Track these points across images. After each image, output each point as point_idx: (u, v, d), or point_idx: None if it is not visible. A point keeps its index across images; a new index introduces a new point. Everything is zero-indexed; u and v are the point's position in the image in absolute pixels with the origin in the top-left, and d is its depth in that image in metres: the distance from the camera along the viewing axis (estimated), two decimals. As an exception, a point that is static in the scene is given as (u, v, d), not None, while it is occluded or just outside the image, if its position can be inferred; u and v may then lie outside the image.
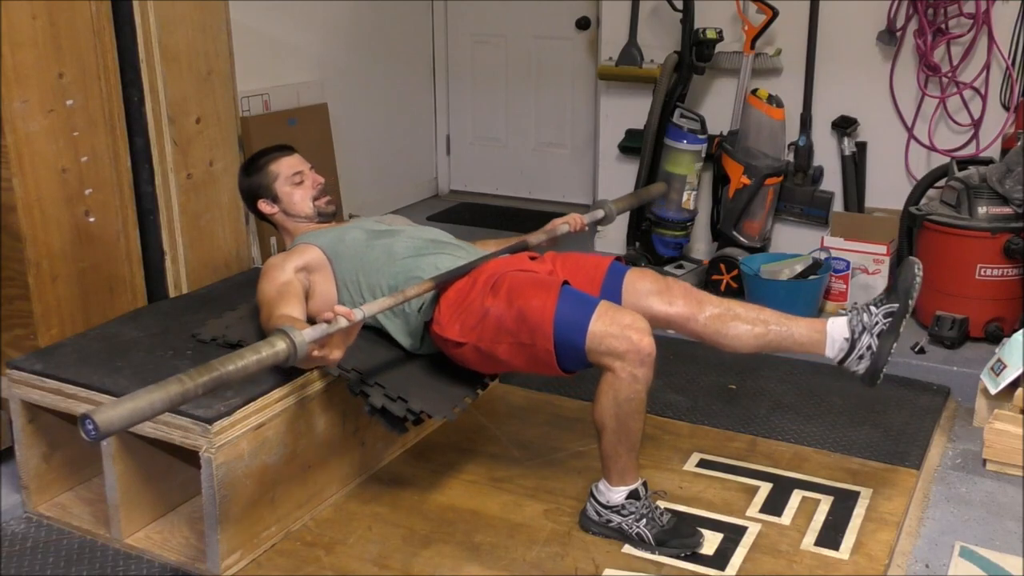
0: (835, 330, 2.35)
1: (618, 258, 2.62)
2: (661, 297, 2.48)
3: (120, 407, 1.78)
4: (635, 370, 2.25)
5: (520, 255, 2.62)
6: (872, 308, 2.32)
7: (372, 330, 2.63)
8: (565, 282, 2.42)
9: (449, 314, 2.45)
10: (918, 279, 2.30)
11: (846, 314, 2.36)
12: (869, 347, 2.30)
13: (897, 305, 2.28)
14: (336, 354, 2.21)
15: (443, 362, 2.58)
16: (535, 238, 2.73)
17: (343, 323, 2.15)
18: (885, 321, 2.29)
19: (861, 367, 2.34)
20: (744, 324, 2.42)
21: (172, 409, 1.93)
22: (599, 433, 2.36)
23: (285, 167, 2.82)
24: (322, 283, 2.63)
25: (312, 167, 2.89)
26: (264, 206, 2.83)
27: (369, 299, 2.55)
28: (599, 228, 4.67)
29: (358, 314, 2.17)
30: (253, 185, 2.84)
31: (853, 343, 2.32)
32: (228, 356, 1.96)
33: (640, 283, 2.51)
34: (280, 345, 2.03)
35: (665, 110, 4.05)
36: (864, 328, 2.31)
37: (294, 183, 2.81)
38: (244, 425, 2.32)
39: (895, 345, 2.29)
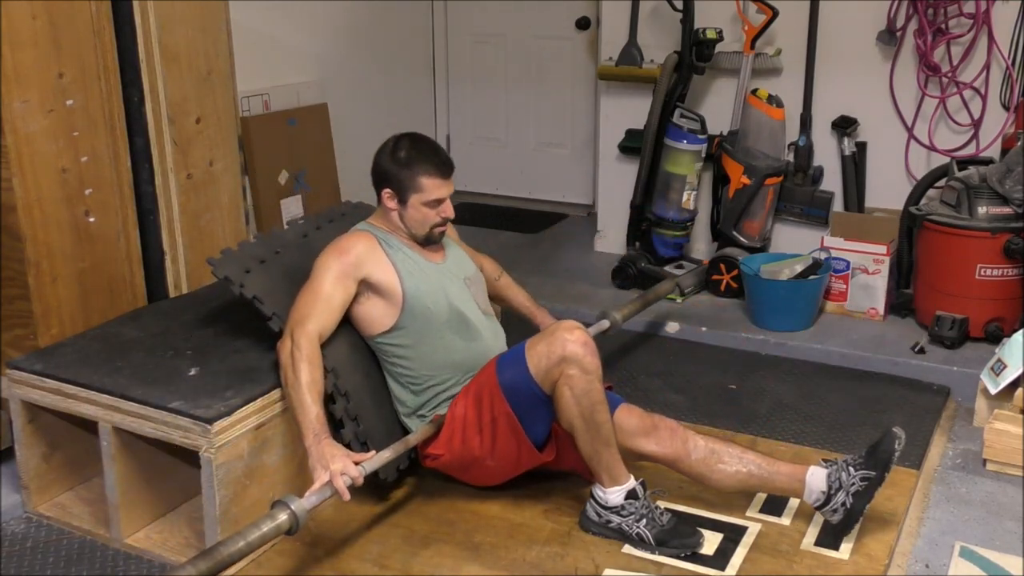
0: (814, 482, 2.41)
1: (609, 387, 2.58)
2: (648, 438, 2.50)
3: None
4: (581, 362, 2.31)
5: None
6: (851, 469, 2.38)
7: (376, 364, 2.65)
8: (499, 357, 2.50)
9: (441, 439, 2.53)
10: (897, 452, 2.38)
11: (826, 466, 2.42)
12: (844, 503, 2.37)
13: (874, 473, 2.36)
14: (344, 496, 2.26)
15: None
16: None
17: (345, 494, 2.22)
18: (861, 484, 2.36)
19: (835, 519, 2.41)
20: (729, 468, 2.47)
21: None
22: (574, 439, 2.39)
23: (434, 191, 2.55)
24: (378, 311, 2.54)
25: (450, 196, 2.63)
26: (388, 199, 2.58)
27: (400, 368, 2.58)
28: (600, 229, 4.68)
29: (362, 477, 2.25)
30: (395, 176, 2.55)
31: (829, 497, 2.38)
32: (232, 538, 2.03)
33: (627, 422, 2.51)
34: (282, 518, 2.11)
35: (665, 110, 4.05)
36: (841, 486, 2.37)
37: (430, 206, 2.57)
38: (244, 425, 2.32)
39: (868, 506, 2.37)
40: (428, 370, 2.56)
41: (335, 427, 2.47)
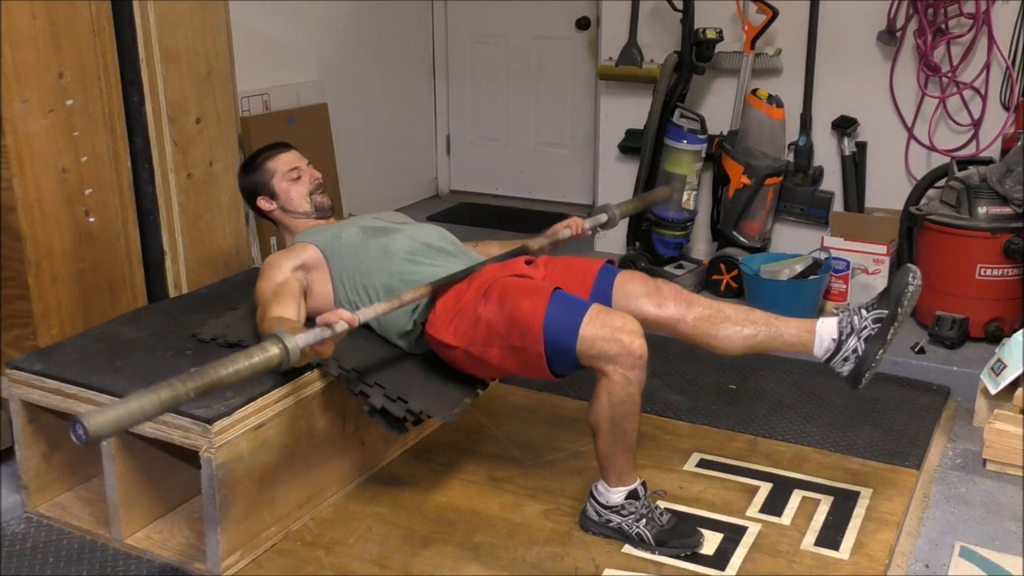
0: (824, 330, 2.35)
1: (609, 261, 2.61)
2: (651, 299, 2.48)
3: (110, 412, 1.78)
4: (627, 372, 2.26)
5: (516, 259, 2.63)
6: (863, 311, 2.32)
7: (372, 329, 2.64)
8: (557, 288, 2.42)
9: (444, 317, 2.46)
10: (911, 287, 2.28)
11: (838, 314, 2.36)
12: (855, 350, 2.29)
13: (887, 311, 2.28)
14: (328, 351, 2.27)
15: (441, 362, 2.59)
16: (536, 243, 2.74)
17: (343, 327, 2.17)
18: (874, 326, 2.29)
19: (845, 369, 2.34)
20: (734, 326, 2.42)
21: (162, 413, 1.93)
22: (595, 435, 2.37)
23: (282, 164, 2.84)
24: (319, 281, 2.64)
25: (310, 163, 2.90)
26: (263, 203, 2.84)
27: (364, 298, 2.58)
28: (600, 230, 4.67)
29: (358, 319, 2.20)
30: (252, 183, 2.86)
31: (840, 344, 2.32)
32: (220, 361, 1.96)
33: (630, 285, 2.51)
34: (273, 350, 2.04)
35: (665, 110, 4.05)
36: (852, 330, 2.31)
37: (291, 179, 2.82)
38: (244, 425, 2.32)
39: (882, 351, 2.28)
40: (383, 281, 2.57)
41: (383, 416, 2.44)
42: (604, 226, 2.99)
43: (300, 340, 2.09)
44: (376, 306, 2.31)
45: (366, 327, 2.56)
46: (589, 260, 2.68)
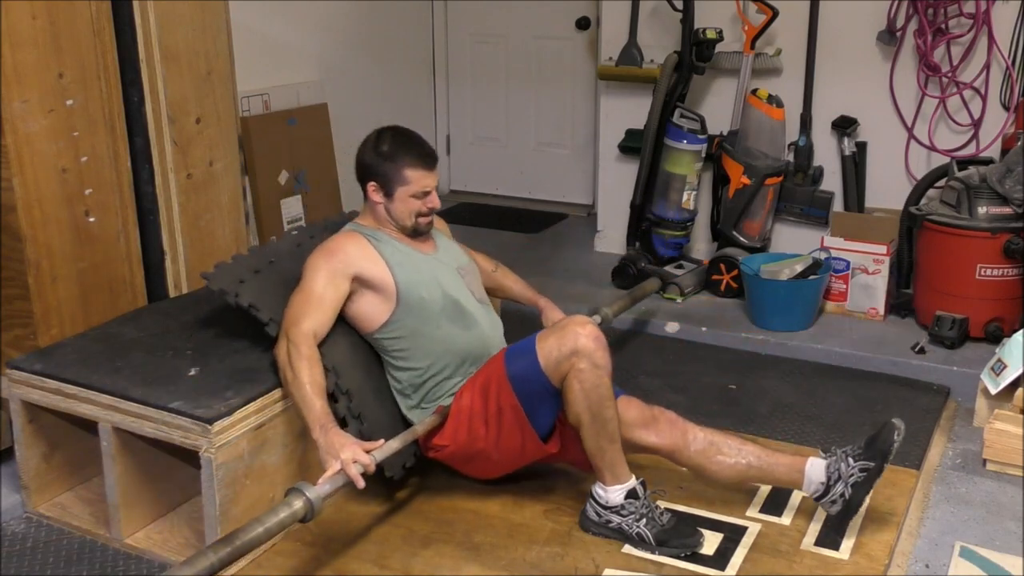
0: (813, 473, 2.42)
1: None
2: (647, 429, 2.51)
3: None
4: (591, 355, 2.32)
5: None
6: (850, 460, 2.39)
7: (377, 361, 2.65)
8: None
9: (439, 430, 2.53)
10: (896, 444, 2.39)
11: (825, 457, 2.43)
12: (842, 495, 2.38)
13: (873, 464, 2.37)
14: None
15: None
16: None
17: (359, 480, 2.22)
18: (860, 474, 2.37)
19: (833, 510, 2.42)
20: (728, 459, 2.48)
21: None
22: (579, 433, 2.39)
23: (419, 182, 2.56)
24: (373, 306, 2.53)
25: (437, 186, 2.65)
26: (373, 192, 2.59)
27: (399, 362, 2.58)
28: (600, 229, 4.68)
29: (374, 464, 2.25)
30: (380, 170, 2.57)
31: (828, 488, 2.39)
32: (250, 525, 2.04)
33: (627, 413, 2.51)
34: (297, 505, 2.12)
35: (665, 110, 4.05)
36: (840, 477, 2.38)
37: (416, 197, 2.58)
38: (244, 425, 2.32)
39: (867, 496, 2.39)
40: (427, 361, 2.55)
41: (339, 425, 2.46)
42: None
43: (322, 492, 2.16)
44: (391, 444, 2.35)
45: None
46: None
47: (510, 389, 2.40)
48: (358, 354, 2.58)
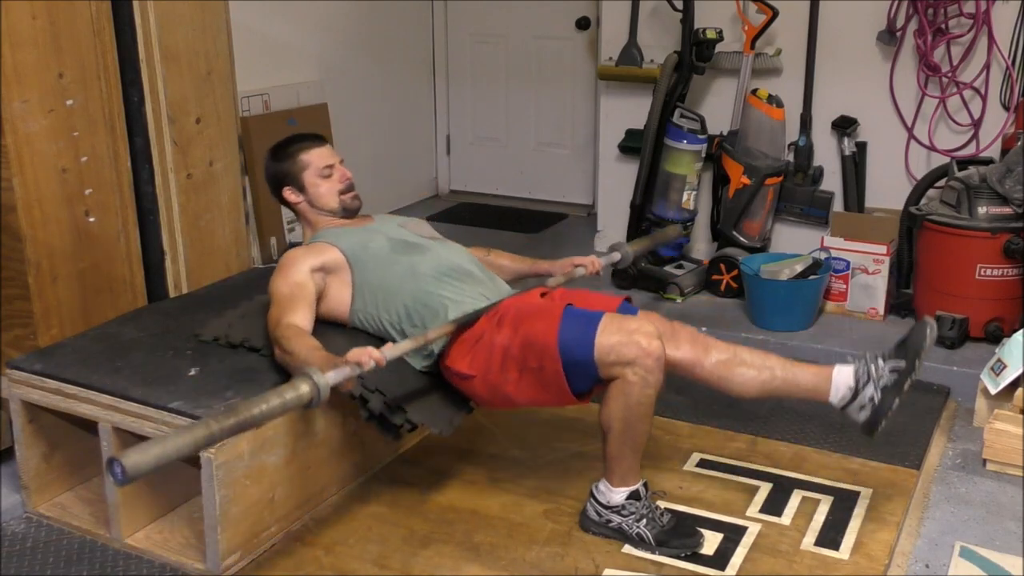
0: (840, 378, 2.35)
1: (627, 299, 2.62)
2: (667, 341, 2.42)
3: (148, 451, 1.82)
4: (647, 375, 2.26)
5: (531, 292, 2.63)
6: (880, 361, 2.33)
7: (377, 338, 2.63)
8: (568, 304, 2.43)
9: (461, 349, 2.47)
10: (928, 341, 2.30)
11: (853, 362, 2.36)
12: (871, 399, 2.30)
13: (904, 363, 2.30)
14: (351, 386, 2.32)
15: (440, 376, 2.59)
16: (553, 281, 2.74)
17: (371, 367, 2.19)
18: (891, 376, 2.30)
19: (861, 417, 2.34)
20: (750, 371, 2.40)
21: (196, 452, 1.99)
22: (604, 435, 2.37)
23: (316, 158, 2.74)
24: (337, 286, 2.61)
25: (342, 160, 2.81)
26: (289, 194, 2.74)
27: (382, 313, 2.57)
28: (600, 229, 4.68)
29: (386, 358, 2.22)
30: (281, 172, 2.75)
31: (856, 392, 2.32)
32: (253, 400, 2.00)
33: None
34: (304, 388, 2.07)
35: (665, 110, 4.05)
36: (869, 379, 2.31)
37: (323, 175, 2.73)
38: (244, 425, 2.32)
39: (898, 401, 2.30)
40: (403, 297, 2.55)
41: (379, 422, 2.46)
42: (617, 265, 2.99)
43: (330, 378, 2.12)
44: (402, 344, 2.32)
45: (374, 335, 2.61)
46: (607, 297, 2.64)
47: (557, 355, 2.32)
48: (358, 341, 2.57)
